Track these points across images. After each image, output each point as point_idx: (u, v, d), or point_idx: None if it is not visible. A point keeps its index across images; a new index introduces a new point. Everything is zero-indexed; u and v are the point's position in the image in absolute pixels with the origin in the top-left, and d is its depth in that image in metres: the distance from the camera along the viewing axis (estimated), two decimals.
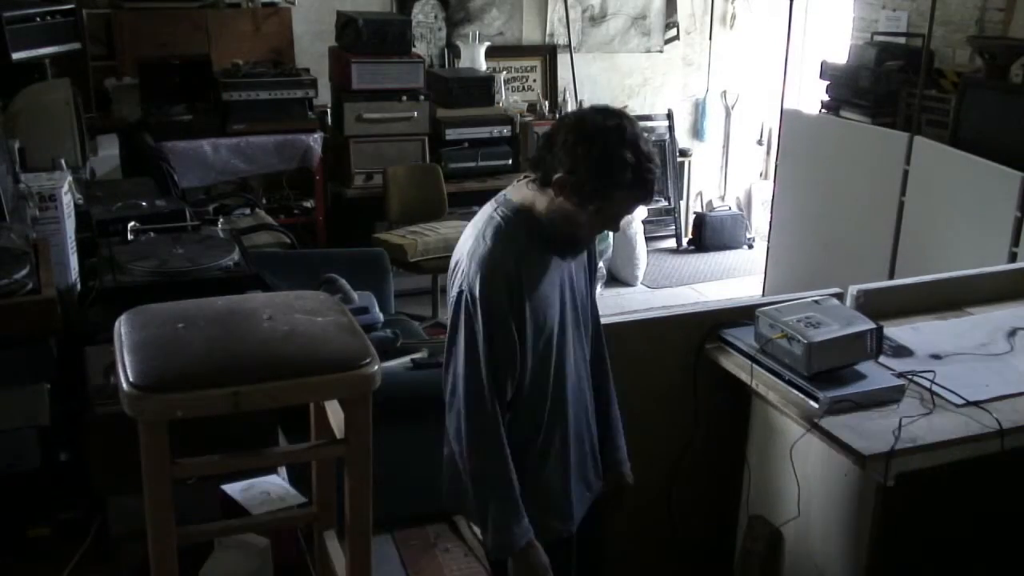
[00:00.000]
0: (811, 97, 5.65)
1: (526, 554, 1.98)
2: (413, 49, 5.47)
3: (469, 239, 1.99)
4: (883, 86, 4.89)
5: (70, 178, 2.65)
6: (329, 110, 5.61)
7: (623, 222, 2.09)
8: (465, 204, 5.66)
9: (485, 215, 2.01)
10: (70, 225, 2.49)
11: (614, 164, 1.87)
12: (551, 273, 2.01)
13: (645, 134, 1.93)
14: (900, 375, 2.41)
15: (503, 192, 2.05)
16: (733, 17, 6.97)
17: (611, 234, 5.89)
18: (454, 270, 2.00)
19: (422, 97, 5.35)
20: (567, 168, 1.89)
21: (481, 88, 5.61)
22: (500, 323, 1.92)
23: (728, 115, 7.12)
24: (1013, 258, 3.75)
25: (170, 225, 2.58)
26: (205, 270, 2.29)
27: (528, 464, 2.06)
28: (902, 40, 5.25)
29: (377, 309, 3.78)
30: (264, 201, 5.38)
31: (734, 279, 6.20)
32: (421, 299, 5.26)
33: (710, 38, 6.96)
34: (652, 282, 6.20)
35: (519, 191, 2.01)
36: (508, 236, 1.94)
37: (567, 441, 2.10)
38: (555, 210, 1.95)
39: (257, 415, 1.89)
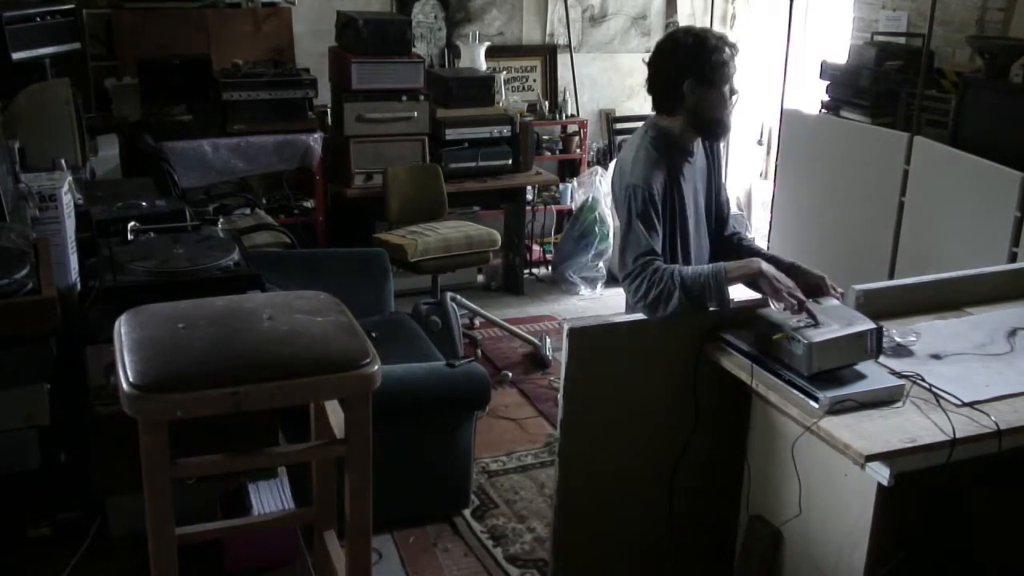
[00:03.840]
0: (811, 97, 5.64)
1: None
2: (413, 49, 5.47)
3: (629, 151, 2.68)
4: (883, 86, 4.89)
5: (70, 178, 2.65)
6: (329, 110, 5.61)
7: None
8: (465, 204, 5.67)
9: (639, 135, 2.70)
10: (70, 225, 2.49)
11: (706, 44, 2.59)
12: (688, 172, 2.72)
13: None
14: (900, 375, 2.41)
15: (651, 120, 2.73)
16: (733, 17, 6.97)
17: (611, 234, 5.91)
18: (619, 173, 2.68)
19: (422, 97, 5.34)
20: (683, 74, 2.59)
21: (481, 88, 5.61)
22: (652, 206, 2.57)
23: None
24: (1013, 258, 3.75)
25: (170, 225, 2.58)
26: (205, 270, 2.29)
27: None
28: (902, 40, 5.25)
29: None
30: (264, 201, 5.39)
31: None
32: (421, 299, 5.26)
33: None
34: None
35: (660, 120, 2.70)
36: (656, 159, 2.62)
37: None
38: (695, 110, 2.62)
39: (257, 415, 1.89)
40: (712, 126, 2.67)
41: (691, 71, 2.58)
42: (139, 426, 1.53)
